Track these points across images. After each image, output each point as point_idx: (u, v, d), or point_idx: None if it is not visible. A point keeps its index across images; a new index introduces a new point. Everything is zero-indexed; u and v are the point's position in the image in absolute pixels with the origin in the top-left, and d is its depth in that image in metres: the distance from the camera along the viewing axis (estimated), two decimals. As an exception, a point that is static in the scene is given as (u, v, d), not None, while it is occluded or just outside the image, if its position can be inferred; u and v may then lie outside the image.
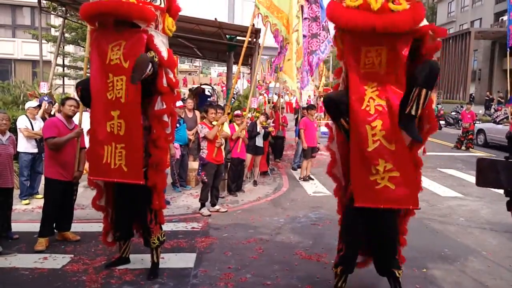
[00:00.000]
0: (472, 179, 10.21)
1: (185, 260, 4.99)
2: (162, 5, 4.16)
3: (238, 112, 8.51)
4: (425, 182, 9.29)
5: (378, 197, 3.62)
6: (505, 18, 30.24)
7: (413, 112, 3.39)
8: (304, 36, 10.83)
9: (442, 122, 24.46)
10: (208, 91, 19.74)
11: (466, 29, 34.07)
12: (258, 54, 9.75)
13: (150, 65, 3.85)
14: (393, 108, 3.51)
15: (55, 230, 5.41)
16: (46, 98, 7.59)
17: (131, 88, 3.97)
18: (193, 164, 8.75)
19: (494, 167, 3.21)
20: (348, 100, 3.65)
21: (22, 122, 6.93)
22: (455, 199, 8.39)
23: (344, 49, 3.77)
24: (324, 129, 15.61)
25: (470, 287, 4.58)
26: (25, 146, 6.91)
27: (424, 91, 3.35)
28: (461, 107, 23.41)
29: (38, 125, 6.91)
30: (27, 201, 7.01)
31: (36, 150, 7.00)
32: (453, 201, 8.17)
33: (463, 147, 15.61)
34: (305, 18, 10.81)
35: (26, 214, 6.57)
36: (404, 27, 3.28)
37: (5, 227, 5.32)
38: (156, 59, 3.99)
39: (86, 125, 8.06)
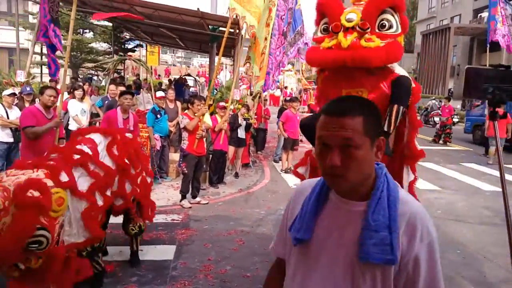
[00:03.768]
0: (449, 172, 10.44)
1: (164, 252, 4.96)
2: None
3: (222, 103, 8.46)
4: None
5: None
6: (483, 15, 30.81)
7: (385, 128, 3.37)
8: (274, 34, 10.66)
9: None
10: (186, 84, 19.55)
11: (446, 25, 34.49)
12: (241, 46, 9.71)
13: None
14: None
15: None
16: (28, 89, 7.40)
17: None
18: (174, 156, 8.67)
19: (482, 75, 3.12)
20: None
21: (-4, 110, 6.74)
22: (433, 192, 8.54)
23: (323, 90, 3.79)
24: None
25: (446, 278, 4.67)
26: (0, 135, 6.73)
27: (395, 107, 3.35)
28: (440, 101, 23.75)
29: (14, 114, 6.74)
30: (2, 192, 6.84)
31: (11, 140, 6.82)
32: (431, 194, 8.31)
33: (441, 141, 15.89)
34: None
35: (2, 205, 6.41)
36: (375, 62, 3.26)
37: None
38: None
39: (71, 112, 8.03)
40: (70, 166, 3.39)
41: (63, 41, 7.21)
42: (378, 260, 1.27)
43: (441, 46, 32.94)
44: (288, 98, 11.80)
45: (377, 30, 3.32)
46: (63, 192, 3.15)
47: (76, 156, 3.53)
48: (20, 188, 2.84)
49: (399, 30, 3.39)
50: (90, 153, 3.67)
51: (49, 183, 3.07)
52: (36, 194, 2.88)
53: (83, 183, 3.44)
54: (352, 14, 3.32)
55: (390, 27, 3.35)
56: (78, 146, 3.67)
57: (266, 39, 9.17)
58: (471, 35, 32.78)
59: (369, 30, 3.28)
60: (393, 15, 3.38)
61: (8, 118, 6.75)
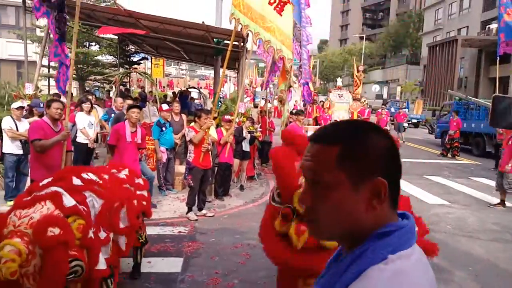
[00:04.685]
0: (458, 186, 10.31)
1: (172, 265, 4.94)
2: None
3: (228, 117, 8.47)
4: (412, 189, 9.34)
5: None
6: (492, 26, 30.68)
7: None
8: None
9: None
10: (192, 97, 19.58)
11: (453, 37, 34.50)
12: (246, 59, 9.74)
13: None
14: None
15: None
16: (41, 105, 7.46)
17: None
18: (180, 168, 8.67)
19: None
20: None
21: (6, 122, 6.79)
22: (442, 206, 8.43)
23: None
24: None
25: (457, 294, 4.59)
26: (10, 147, 6.79)
27: None
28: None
29: (23, 126, 6.78)
30: (12, 203, 6.84)
31: (21, 152, 6.86)
32: (440, 209, 8.20)
33: (449, 155, 15.75)
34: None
35: (8, 217, 6.41)
36: None
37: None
38: None
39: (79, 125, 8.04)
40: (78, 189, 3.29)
41: (69, 54, 7.29)
42: None
43: (448, 58, 32.90)
44: (294, 111, 11.74)
45: None
46: (79, 217, 3.01)
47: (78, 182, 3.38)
48: (39, 231, 2.66)
49: None
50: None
51: (61, 214, 2.92)
52: (56, 230, 2.70)
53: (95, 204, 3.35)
54: None
55: None
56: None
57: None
58: (479, 47, 32.31)
59: None
60: None
61: (17, 130, 6.79)
